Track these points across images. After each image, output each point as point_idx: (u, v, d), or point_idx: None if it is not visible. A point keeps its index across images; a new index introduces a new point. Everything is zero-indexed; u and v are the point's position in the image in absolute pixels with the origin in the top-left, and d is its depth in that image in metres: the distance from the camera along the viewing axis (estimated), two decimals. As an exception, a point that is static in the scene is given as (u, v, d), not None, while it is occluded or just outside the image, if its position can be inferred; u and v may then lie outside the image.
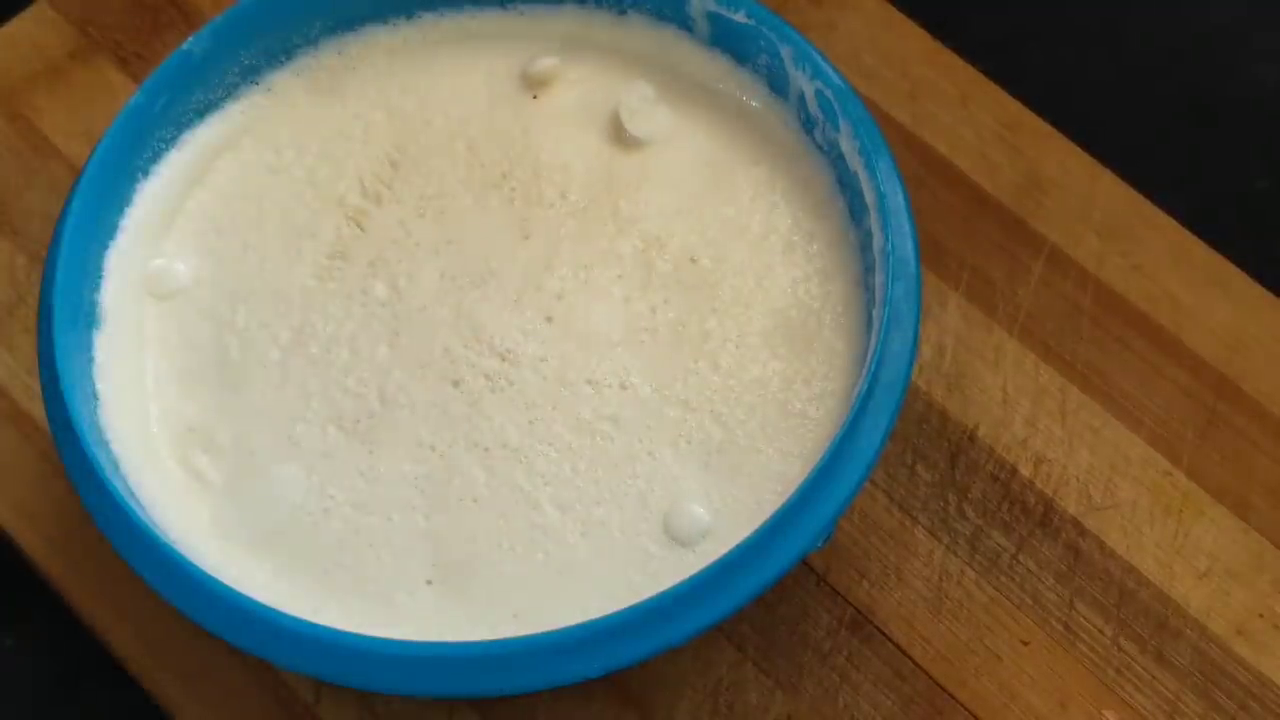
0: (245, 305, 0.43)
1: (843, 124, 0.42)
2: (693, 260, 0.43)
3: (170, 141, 0.45)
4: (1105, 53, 0.56)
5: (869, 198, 0.41)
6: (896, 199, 0.41)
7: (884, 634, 0.44)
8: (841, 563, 0.45)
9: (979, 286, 0.49)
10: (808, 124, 0.44)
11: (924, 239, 0.42)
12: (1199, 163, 0.54)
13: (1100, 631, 0.44)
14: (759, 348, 0.42)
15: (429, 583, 0.39)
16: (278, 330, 0.43)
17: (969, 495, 0.46)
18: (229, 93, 0.46)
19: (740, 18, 0.44)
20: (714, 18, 0.45)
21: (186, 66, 0.44)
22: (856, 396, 0.38)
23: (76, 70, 0.54)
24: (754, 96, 0.45)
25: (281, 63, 0.46)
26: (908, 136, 0.52)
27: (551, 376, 0.41)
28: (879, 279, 0.40)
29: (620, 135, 0.45)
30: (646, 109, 0.45)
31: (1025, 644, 0.44)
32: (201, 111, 0.45)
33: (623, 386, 0.41)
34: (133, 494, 0.39)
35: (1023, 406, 0.47)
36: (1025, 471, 0.46)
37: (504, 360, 0.42)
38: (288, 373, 0.42)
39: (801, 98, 0.44)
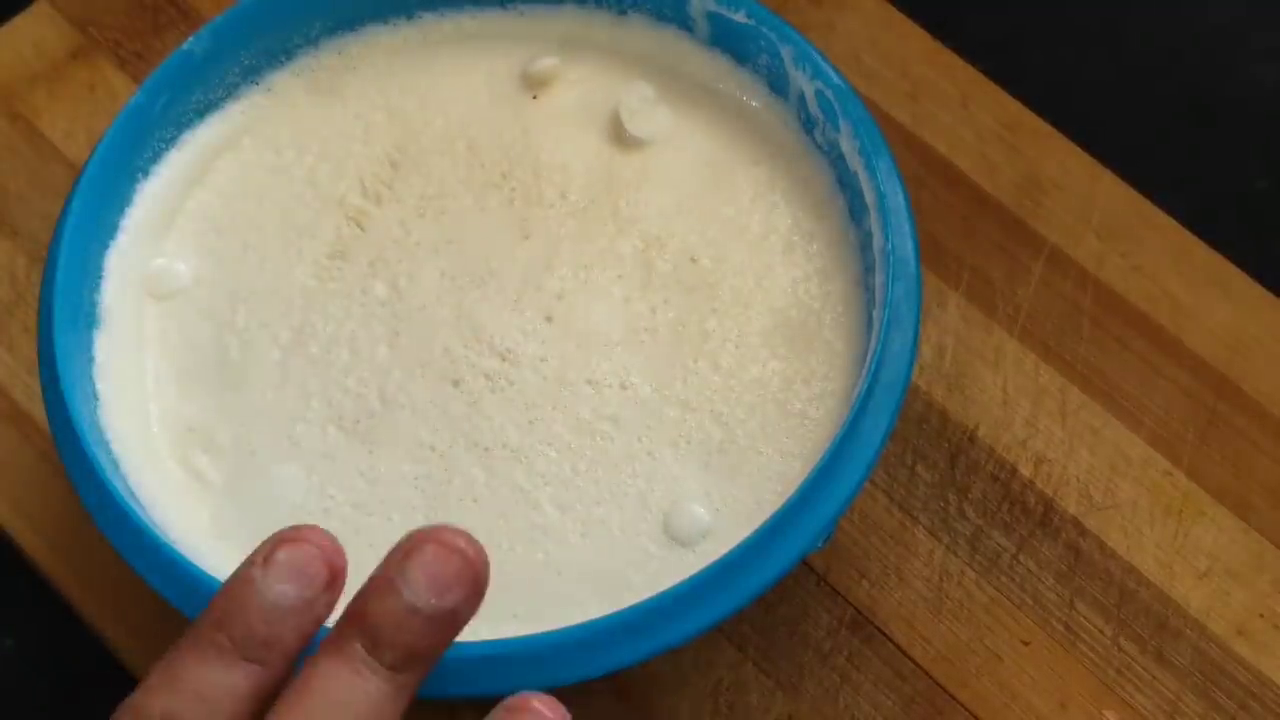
0: (245, 305, 0.43)
1: (843, 124, 0.42)
2: (693, 260, 0.43)
3: (170, 141, 0.45)
4: (1105, 53, 0.56)
5: (869, 198, 0.41)
6: (896, 199, 0.41)
7: (884, 634, 0.44)
8: (842, 563, 0.45)
9: (979, 287, 0.49)
10: (808, 124, 0.44)
11: (924, 239, 0.42)
12: (1199, 163, 0.54)
13: (1100, 632, 0.44)
14: (759, 348, 0.42)
15: (429, 583, 0.39)
16: (278, 330, 0.43)
17: (969, 495, 0.46)
18: (229, 93, 0.46)
19: (740, 18, 0.44)
20: (714, 18, 0.45)
21: (187, 66, 0.44)
22: (856, 396, 0.38)
23: (76, 70, 0.54)
24: (754, 96, 0.45)
25: (282, 63, 0.46)
26: (908, 136, 0.52)
27: (551, 376, 0.41)
28: (879, 279, 0.40)
29: (620, 135, 0.45)
30: (646, 109, 0.45)
31: (1026, 644, 0.44)
32: (202, 111, 0.45)
33: (623, 386, 0.41)
34: (133, 494, 0.39)
35: (1023, 407, 0.47)
36: (1025, 472, 0.46)
37: (504, 360, 0.42)
38: (288, 373, 0.42)
39: (801, 98, 0.44)
